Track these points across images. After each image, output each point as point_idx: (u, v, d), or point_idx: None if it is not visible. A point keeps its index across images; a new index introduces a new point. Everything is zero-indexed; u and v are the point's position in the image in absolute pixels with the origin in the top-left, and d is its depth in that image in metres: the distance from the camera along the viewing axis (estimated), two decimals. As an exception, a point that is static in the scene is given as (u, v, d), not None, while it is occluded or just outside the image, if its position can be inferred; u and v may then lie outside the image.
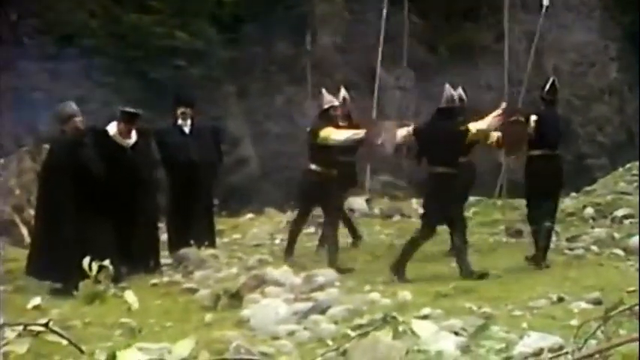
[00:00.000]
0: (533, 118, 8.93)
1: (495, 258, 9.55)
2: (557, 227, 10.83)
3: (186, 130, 10.31)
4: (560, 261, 9.18)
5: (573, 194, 12.55)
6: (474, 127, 8.73)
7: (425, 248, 10.03)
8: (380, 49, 13.24)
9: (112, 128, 9.11)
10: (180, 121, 10.32)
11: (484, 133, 8.97)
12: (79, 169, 8.57)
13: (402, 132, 8.91)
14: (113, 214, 8.72)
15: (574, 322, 5.59)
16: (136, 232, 9.02)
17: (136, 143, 9.21)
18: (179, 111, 10.30)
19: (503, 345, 4.74)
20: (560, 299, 6.83)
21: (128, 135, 9.12)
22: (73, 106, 8.93)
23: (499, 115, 8.77)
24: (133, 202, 9.00)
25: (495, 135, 9.10)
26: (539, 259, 8.85)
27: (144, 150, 9.35)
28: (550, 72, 13.40)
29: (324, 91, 9.67)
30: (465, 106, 9.59)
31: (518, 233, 10.49)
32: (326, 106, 9.38)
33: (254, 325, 6.33)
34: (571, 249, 9.80)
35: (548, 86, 9.21)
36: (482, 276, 8.30)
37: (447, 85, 8.86)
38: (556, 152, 9.11)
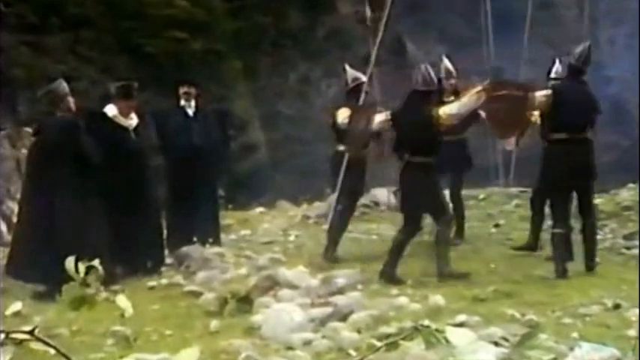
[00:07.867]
0: (544, 92, 8.48)
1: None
2: (613, 223, 10.77)
3: (190, 112, 10.33)
4: (616, 261, 9.12)
5: (631, 185, 12.44)
6: (443, 111, 8.53)
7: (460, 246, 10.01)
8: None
9: (111, 109, 9.22)
10: (182, 102, 10.32)
11: (457, 118, 8.63)
12: (74, 154, 8.60)
13: (380, 117, 8.85)
14: (111, 207, 8.75)
15: (632, 333, 5.56)
16: (137, 227, 9.06)
17: (137, 126, 9.36)
18: (181, 90, 10.30)
19: (551, 357, 4.72)
20: (616, 306, 6.80)
21: (129, 115, 9.28)
22: (65, 85, 8.98)
23: (478, 93, 8.39)
24: (136, 191, 9.08)
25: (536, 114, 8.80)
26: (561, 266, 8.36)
27: (145, 133, 9.48)
28: (605, 44, 13.28)
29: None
30: (455, 85, 9.82)
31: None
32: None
33: (266, 333, 6.34)
34: (628, 248, 9.71)
35: (579, 52, 8.60)
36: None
37: (424, 65, 8.71)
38: (583, 135, 8.52)
